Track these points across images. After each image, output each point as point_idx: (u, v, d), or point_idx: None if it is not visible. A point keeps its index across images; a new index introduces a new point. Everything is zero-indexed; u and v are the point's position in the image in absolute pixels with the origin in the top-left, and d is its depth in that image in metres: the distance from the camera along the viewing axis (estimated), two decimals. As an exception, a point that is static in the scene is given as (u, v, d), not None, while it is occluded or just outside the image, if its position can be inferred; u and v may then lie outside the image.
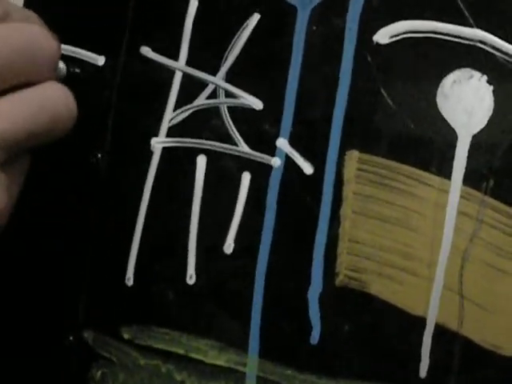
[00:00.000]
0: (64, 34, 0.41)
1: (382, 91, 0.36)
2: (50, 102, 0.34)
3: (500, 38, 0.35)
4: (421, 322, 0.35)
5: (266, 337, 0.38)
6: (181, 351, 0.39)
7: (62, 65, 0.38)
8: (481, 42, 0.35)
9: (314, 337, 0.37)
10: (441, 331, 0.35)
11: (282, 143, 0.38)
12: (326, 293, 0.37)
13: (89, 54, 0.41)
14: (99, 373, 0.41)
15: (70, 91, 0.35)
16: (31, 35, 0.33)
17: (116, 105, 0.41)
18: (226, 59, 0.39)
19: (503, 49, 0.35)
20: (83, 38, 0.42)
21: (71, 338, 0.41)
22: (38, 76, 0.34)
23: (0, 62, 0.32)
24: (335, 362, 0.37)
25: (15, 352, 0.42)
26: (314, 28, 0.37)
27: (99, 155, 0.41)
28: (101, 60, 0.41)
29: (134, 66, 0.40)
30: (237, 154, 0.38)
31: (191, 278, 0.39)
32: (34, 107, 0.33)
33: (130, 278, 0.40)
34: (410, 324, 0.36)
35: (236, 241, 0.38)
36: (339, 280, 0.37)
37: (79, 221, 0.41)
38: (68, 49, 0.42)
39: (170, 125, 0.40)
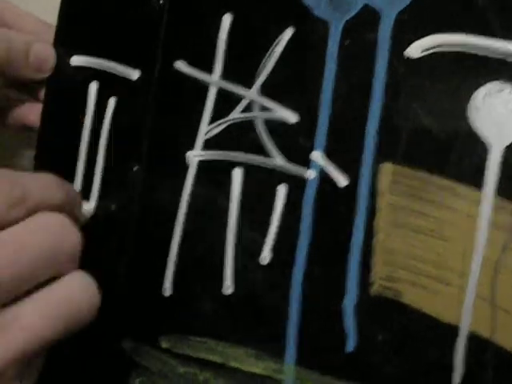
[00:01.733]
0: (98, 48, 0.45)
1: (415, 104, 0.39)
2: (74, 300, 0.34)
3: (530, 50, 0.38)
4: (454, 330, 0.38)
5: (303, 345, 0.41)
6: (218, 359, 0.42)
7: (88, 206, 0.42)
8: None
9: (350, 345, 0.40)
10: (474, 339, 0.38)
11: (317, 156, 0.40)
12: (360, 302, 0.40)
13: (123, 67, 0.44)
14: (138, 381, 0.44)
15: (91, 279, 0.36)
16: (54, 231, 0.34)
17: (151, 118, 0.44)
18: (260, 73, 0.42)
19: (534, 62, 0.38)
20: (117, 52, 0.45)
21: (111, 348, 0.44)
22: (60, 271, 0.35)
23: (21, 266, 0.32)
24: (370, 370, 0.40)
25: (54, 361, 0.45)
26: (347, 42, 0.40)
27: (135, 168, 0.44)
28: (135, 74, 0.44)
29: (168, 80, 0.43)
30: (272, 166, 0.41)
31: (228, 288, 0.42)
32: (59, 310, 0.34)
33: (167, 288, 0.43)
34: (443, 332, 0.39)
35: (272, 252, 0.41)
36: (374, 289, 0.39)
37: (116, 231, 0.44)
38: (102, 63, 0.45)
39: (206, 138, 0.43)
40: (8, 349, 0.32)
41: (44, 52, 0.46)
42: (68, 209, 0.37)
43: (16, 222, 0.34)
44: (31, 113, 0.47)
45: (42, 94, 0.47)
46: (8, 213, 0.34)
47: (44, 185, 0.37)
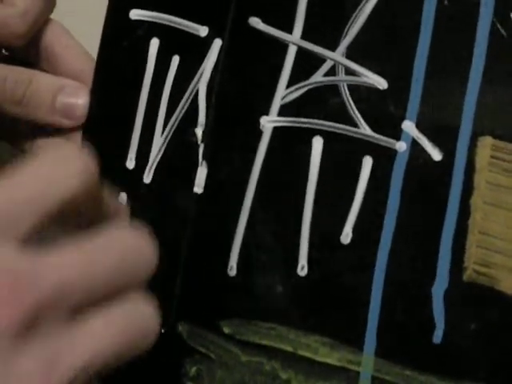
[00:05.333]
0: (160, 1, 0.43)
1: (521, 73, 0.38)
2: (141, 322, 0.34)
3: None
4: (556, 322, 0.37)
5: (384, 334, 0.40)
6: (288, 348, 0.41)
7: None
8: None
9: (438, 335, 0.39)
10: None
11: (409, 126, 0.39)
12: (451, 288, 0.39)
13: (189, 23, 0.43)
14: (194, 369, 0.42)
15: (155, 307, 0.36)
16: (132, 245, 0.34)
17: (221, 80, 0.42)
18: (346, 33, 0.41)
19: None
20: (182, 5, 0.43)
21: (163, 331, 0.42)
22: (132, 288, 0.35)
23: (96, 278, 0.33)
24: (460, 363, 0.39)
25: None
26: (446, 2, 0.39)
27: (200, 132, 0.42)
28: (203, 31, 0.43)
29: (241, 38, 0.42)
30: (358, 136, 0.40)
31: (303, 269, 0.41)
32: (127, 329, 0.34)
33: (232, 267, 0.42)
34: (544, 324, 0.37)
35: (354, 230, 0.40)
36: (467, 275, 0.38)
37: (177, 201, 0.42)
38: (165, 17, 0.44)
39: (283, 103, 0.41)
40: (78, 356, 0.32)
41: (74, 98, 0.46)
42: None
43: None
44: None
45: (78, 137, 0.46)
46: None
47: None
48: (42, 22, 0.47)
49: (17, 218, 0.32)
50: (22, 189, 0.33)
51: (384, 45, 0.40)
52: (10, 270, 0.31)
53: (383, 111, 0.40)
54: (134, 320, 0.35)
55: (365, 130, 0.40)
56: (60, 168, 0.33)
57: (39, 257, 0.32)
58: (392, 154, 0.40)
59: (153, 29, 0.44)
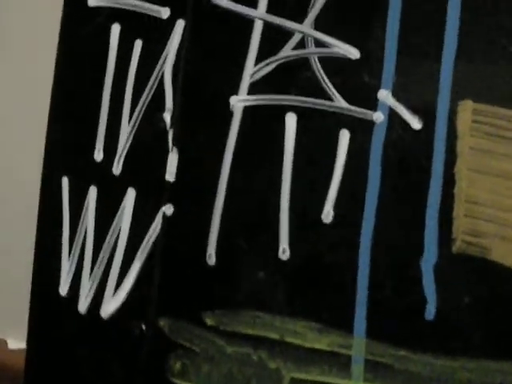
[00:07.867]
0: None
1: (499, 32, 0.36)
2: None
3: None
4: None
5: (374, 315, 0.38)
6: (274, 336, 0.39)
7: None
8: None
9: (430, 312, 0.37)
10: None
11: (385, 95, 0.37)
12: (441, 261, 0.37)
13: (150, 6, 0.41)
14: (178, 364, 0.41)
15: None
16: None
17: (186, 62, 0.41)
18: (313, 3, 0.39)
19: None
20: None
21: (143, 327, 0.41)
22: None
23: None
24: (454, 339, 0.37)
25: (76, 343, 0.42)
26: (415, -35, 0.37)
27: (168, 118, 0.40)
28: (165, 12, 0.41)
29: (205, 17, 0.40)
30: (332, 109, 0.38)
31: (284, 252, 0.39)
32: None
33: (211, 255, 0.40)
34: (540, 292, 0.36)
35: (336, 208, 0.38)
36: (456, 246, 0.37)
37: (148, 192, 0.41)
38: (124, 1, 0.42)
39: (252, 81, 0.39)
40: None
41: None
42: None
43: None
44: None
45: None
46: None
47: None
48: None
49: None
50: None
51: (354, 13, 0.38)
52: None
53: (357, 82, 0.38)
54: None
55: (339, 102, 0.38)
56: None
57: None
58: (369, 125, 0.38)
59: (113, 14, 0.42)
